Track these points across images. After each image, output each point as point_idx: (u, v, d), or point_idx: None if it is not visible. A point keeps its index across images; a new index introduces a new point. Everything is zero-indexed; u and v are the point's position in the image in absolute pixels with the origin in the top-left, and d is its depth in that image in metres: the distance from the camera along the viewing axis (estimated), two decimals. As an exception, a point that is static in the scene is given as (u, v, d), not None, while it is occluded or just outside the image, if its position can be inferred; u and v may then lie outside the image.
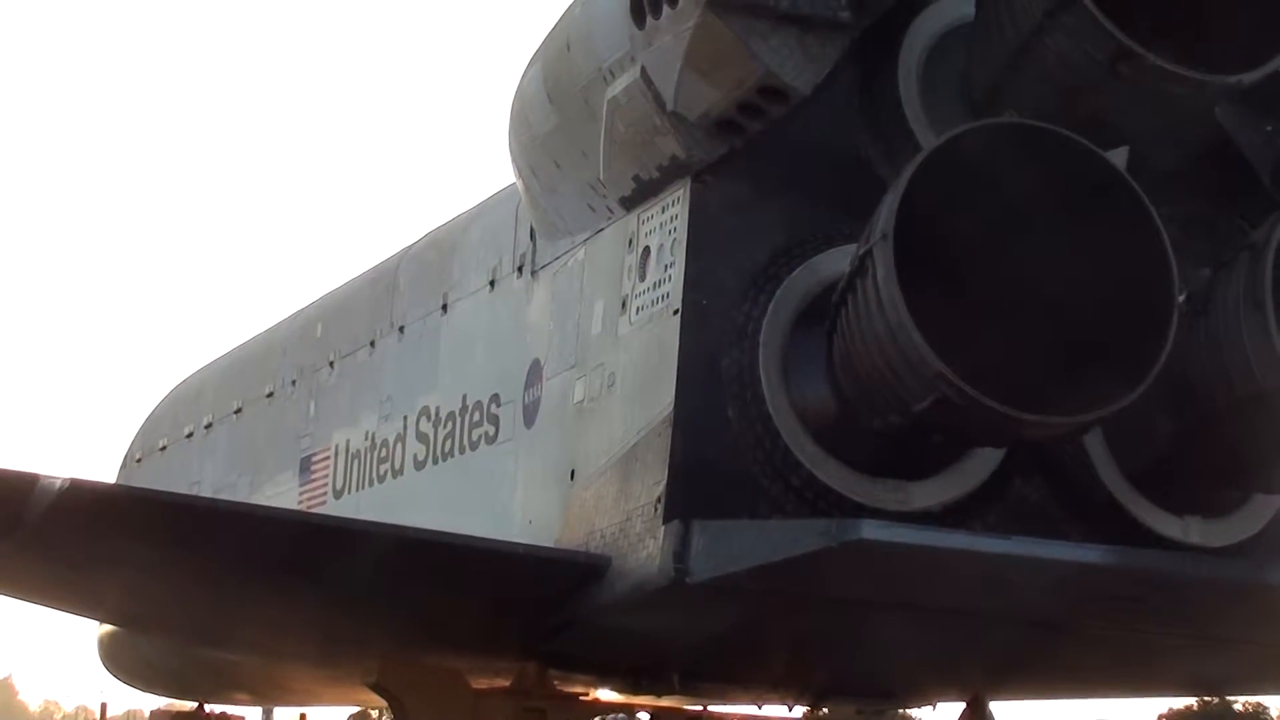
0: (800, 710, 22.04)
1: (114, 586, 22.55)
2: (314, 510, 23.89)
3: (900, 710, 24.58)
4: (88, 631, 32.13)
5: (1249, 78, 15.03)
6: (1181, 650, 18.65)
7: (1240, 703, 54.54)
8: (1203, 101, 15.66)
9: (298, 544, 18.55)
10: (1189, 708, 54.40)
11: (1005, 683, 21.40)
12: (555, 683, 19.73)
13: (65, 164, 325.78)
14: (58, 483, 15.99)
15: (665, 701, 20.86)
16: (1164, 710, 56.74)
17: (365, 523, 20.53)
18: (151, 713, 34.21)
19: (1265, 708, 55.34)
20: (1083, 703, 24.37)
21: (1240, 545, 16.71)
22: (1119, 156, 15.74)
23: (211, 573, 19.11)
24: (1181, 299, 15.05)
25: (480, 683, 19.61)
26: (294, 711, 32.76)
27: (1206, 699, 49.58)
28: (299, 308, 27.74)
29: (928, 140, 15.30)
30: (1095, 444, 16.04)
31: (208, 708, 29.31)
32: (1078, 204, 14.52)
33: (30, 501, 15.96)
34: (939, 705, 22.25)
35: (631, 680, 20.40)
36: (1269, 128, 16.78)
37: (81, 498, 16.63)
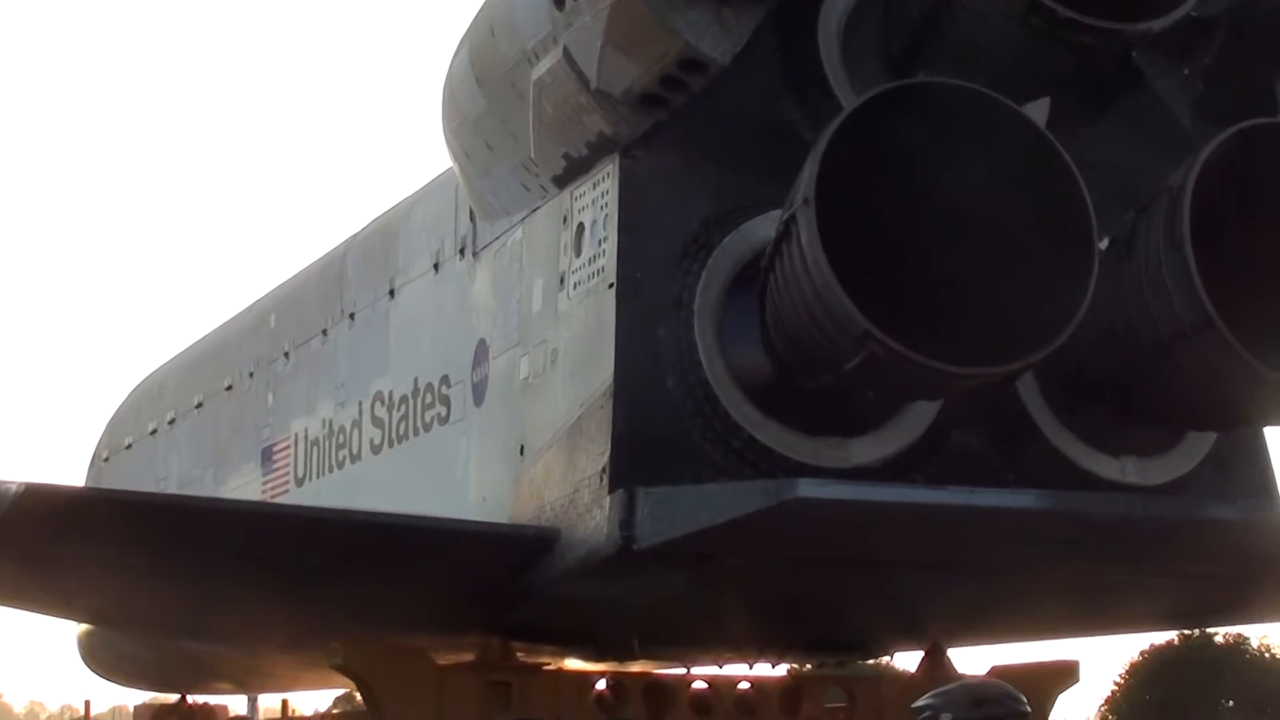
0: (762, 669, 22.15)
1: (80, 586, 22.60)
2: (277, 500, 23.89)
3: (861, 662, 24.60)
4: (67, 631, 32.05)
5: (1159, 24, 15.17)
6: (1130, 588, 18.87)
7: (1220, 635, 54.08)
8: (1117, 49, 15.83)
9: (254, 534, 18.63)
10: (1169, 643, 54.02)
11: (962, 630, 21.59)
12: (519, 655, 19.83)
13: (20, 159, 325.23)
14: (13, 487, 16.04)
15: (629, 668, 20.91)
16: (1145, 647, 56.32)
17: (318, 509, 20.76)
18: (135, 708, 34.11)
19: (1245, 638, 55.00)
20: (1047, 643, 24.40)
21: (1176, 482, 16.99)
22: (1040, 108, 15.85)
23: (172, 567, 19.17)
24: (1105, 244, 15.24)
25: (445, 659, 19.60)
26: (277, 698, 32.95)
27: (1186, 633, 49.66)
28: (253, 300, 27.77)
29: (850, 103, 15.36)
30: (1030, 391, 16.26)
31: (190, 699, 29.13)
32: (997, 160, 14.61)
33: None
34: (897, 655, 22.37)
35: (593, 649, 20.61)
36: (1185, 71, 16.91)
37: (37, 501, 16.66)
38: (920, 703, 6.25)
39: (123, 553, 18.45)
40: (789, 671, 23.22)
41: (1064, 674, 21.87)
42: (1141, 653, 55.30)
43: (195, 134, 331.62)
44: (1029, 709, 6.27)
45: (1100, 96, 16.61)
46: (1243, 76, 16.74)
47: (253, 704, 36.82)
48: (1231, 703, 53.13)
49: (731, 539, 15.33)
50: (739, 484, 15.25)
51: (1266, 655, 54.91)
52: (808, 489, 14.59)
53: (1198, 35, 16.40)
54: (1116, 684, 57.32)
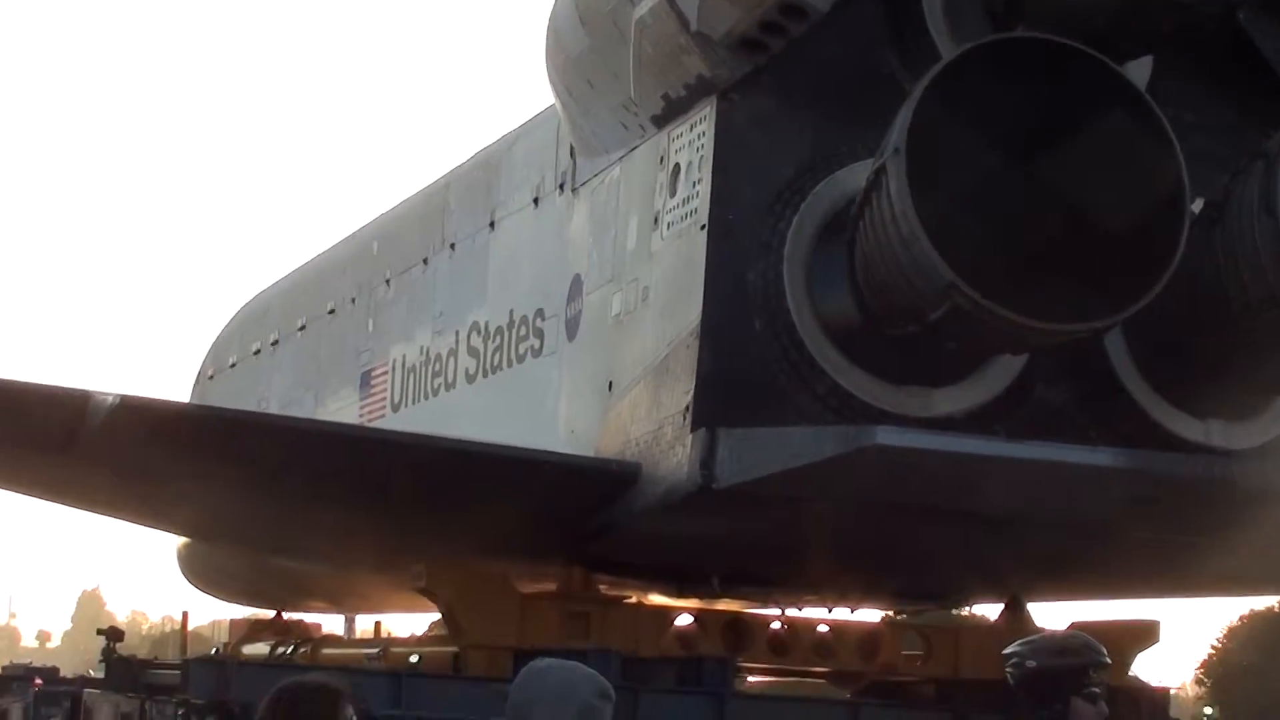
0: (841, 613, 22.25)
1: (178, 500, 23.13)
2: (373, 424, 24.22)
3: (941, 611, 24.62)
4: (167, 544, 32.59)
5: (1264, -17, 15.13)
6: (1214, 551, 18.66)
7: None
8: (1220, 10, 15.72)
9: (349, 457, 19.06)
10: (1270, 609, 53.46)
11: (1042, 584, 21.65)
12: (600, 587, 20.11)
13: (136, 91, 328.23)
14: (109, 399, 16.47)
15: (709, 605, 21.07)
16: (1244, 612, 55.71)
17: (411, 435, 20.99)
18: (232, 622, 34.66)
19: None
20: (1133, 603, 24.29)
21: (1263, 448, 16.76)
22: (1143, 67, 15.82)
23: (267, 485, 19.68)
24: (1199, 205, 15.18)
25: (527, 587, 19.92)
26: (372, 619, 33.34)
27: None
28: (358, 228, 28.08)
29: (949, 55, 15.32)
30: (1118, 349, 16.12)
31: (285, 615, 29.56)
32: (1093, 118, 14.57)
33: (84, 417, 16.49)
34: (977, 607, 22.39)
35: (673, 584, 20.85)
36: (1292, 34, 16.73)
37: (133, 414, 17.15)
38: (1009, 649, 6.45)
39: (218, 468, 18.94)
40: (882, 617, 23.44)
41: (1144, 634, 21.85)
42: (1241, 617, 54.96)
43: (312, 66, 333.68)
44: (1109, 660, 6.45)
45: (1202, 58, 16.49)
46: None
47: (349, 623, 37.32)
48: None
49: (810, 483, 15.51)
50: (819, 429, 15.32)
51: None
52: (886, 437, 14.75)
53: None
54: (1214, 647, 57.11)
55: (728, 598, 21.05)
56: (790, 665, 22.24)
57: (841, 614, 22.39)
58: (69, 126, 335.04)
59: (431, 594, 20.10)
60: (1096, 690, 6.16)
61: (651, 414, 16.81)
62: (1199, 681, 61.79)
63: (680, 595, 21.10)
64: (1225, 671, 57.04)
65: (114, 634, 29.02)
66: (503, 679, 17.92)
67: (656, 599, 21.21)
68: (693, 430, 15.87)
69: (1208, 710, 55.75)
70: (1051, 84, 14.49)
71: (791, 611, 21.82)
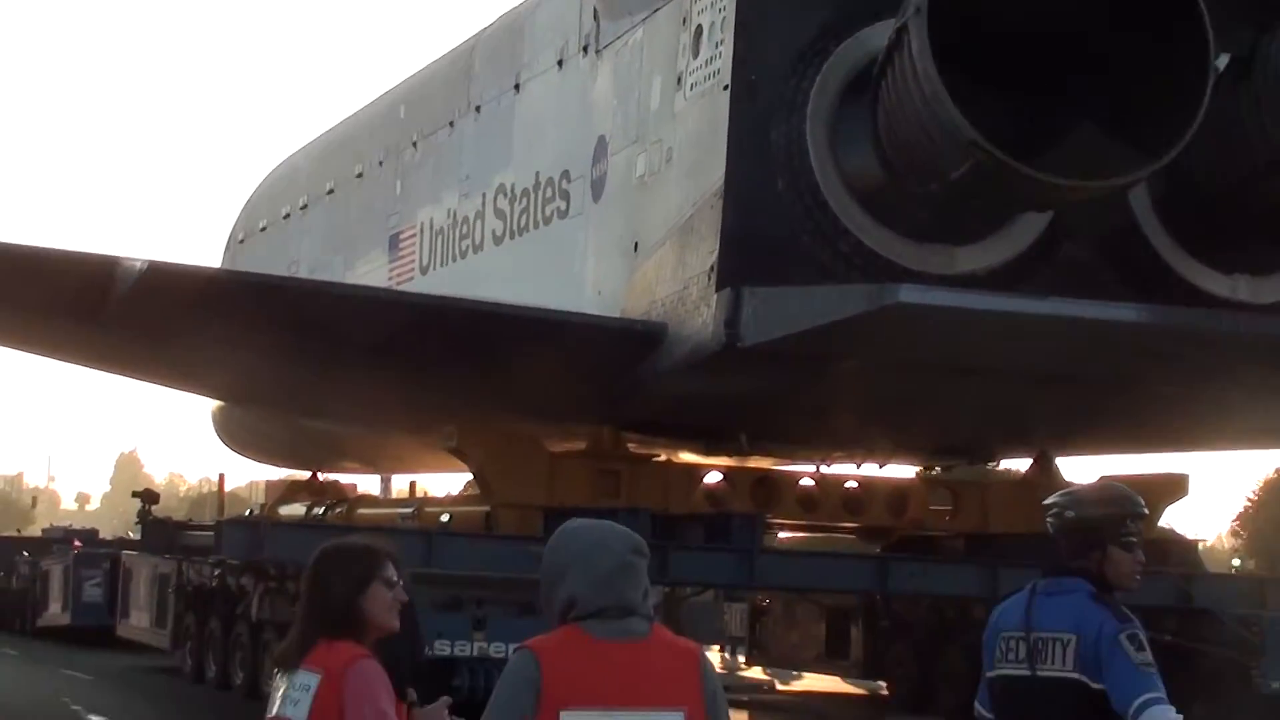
0: (869, 470, 22.42)
1: (207, 363, 23.38)
2: (402, 287, 24.34)
3: (969, 466, 24.72)
4: (203, 407, 32.90)
5: None
6: (1242, 405, 18.84)
7: None
8: None
9: (378, 319, 19.21)
10: None
11: (1070, 439, 21.77)
12: (629, 446, 20.36)
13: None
14: (137, 265, 16.64)
15: (737, 462, 21.28)
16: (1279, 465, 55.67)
17: (439, 297, 21.13)
18: (269, 483, 35.03)
19: None
20: (1157, 457, 24.40)
21: None
22: None
23: (298, 348, 19.89)
24: (1223, 62, 15.12)
25: (557, 446, 20.16)
26: (407, 479, 33.68)
27: None
28: (386, 90, 28.07)
29: None
30: (1143, 206, 16.12)
31: (321, 476, 29.87)
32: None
33: (113, 283, 16.67)
34: (1005, 462, 22.53)
35: (702, 443, 21.05)
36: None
37: (162, 279, 17.33)
38: (1049, 500, 6.56)
39: (247, 333, 19.14)
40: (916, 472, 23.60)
41: (1173, 487, 22.02)
42: (1277, 470, 54.98)
43: None
44: (1146, 511, 6.60)
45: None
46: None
47: (385, 483, 37.65)
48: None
49: (834, 341, 15.60)
50: (843, 287, 15.38)
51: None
52: (909, 294, 14.78)
53: None
54: (1249, 500, 57.35)
55: (756, 455, 21.28)
56: (819, 521, 22.62)
57: (870, 470, 22.57)
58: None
59: (462, 454, 20.43)
60: (1134, 539, 6.27)
61: (677, 274, 16.88)
62: (1234, 534, 62.06)
63: (709, 453, 21.29)
64: (1259, 525, 57.32)
65: (149, 496, 29.45)
66: (533, 537, 18.27)
67: (686, 457, 21.42)
68: (717, 290, 15.94)
69: (1235, 562, 55.94)
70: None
71: (820, 468, 22.03)
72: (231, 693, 21.60)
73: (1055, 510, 6.38)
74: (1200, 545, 30.37)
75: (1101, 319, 15.46)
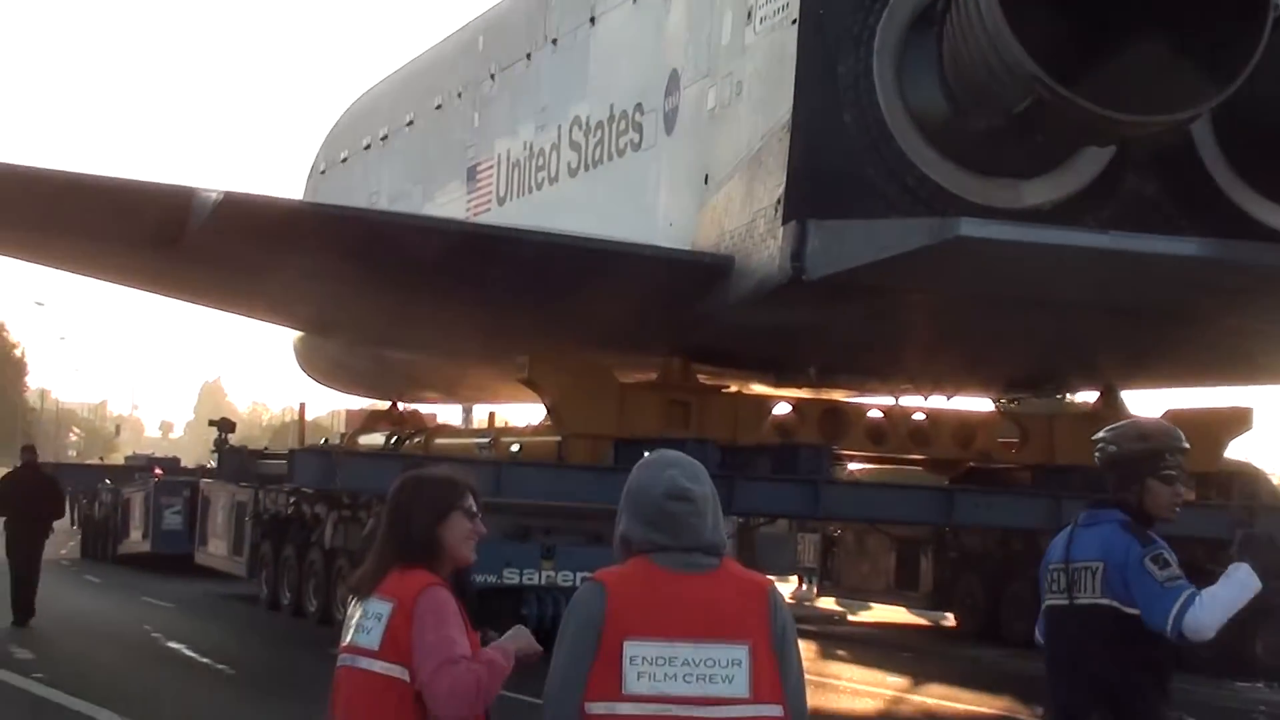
0: (937, 402, 22.51)
1: (286, 293, 23.61)
2: (479, 218, 24.64)
3: (1037, 399, 24.64)
4: (285, 337, 33.20)
5: None
6: None
7: None
8: None
9: (455, 250, 19.41)
10: None
11: (1136, 372, 21.82)
12: (699, 377, 20.55)
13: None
14: (213, 195, 16.91)
15: (806, 394, 21.47)
16: None
17: (515, 228, 21.32)
18: (349, 412, 35.38)
19: None
20: (1223, 391, 24.20)
21: None
22: None
23: (370, 279, 20.10)
24: None
25: (627, 378, 20.42)
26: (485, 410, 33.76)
27: None
28: (465, 22, 28.21)
29: None
30: (1206, 142, 16.09)
31: (400, 406, 30.12)
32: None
33: (189, 214, 16.94)
34: (1072, 395, 22.51)
35: (771, 375, 21.23)
36: None
37: (238, 210, 17.60)
38: (1097, 435, 6.73)
39: (324, 263, 19.35)
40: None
41: (1237, 419, 22.01)
42: None
43: None
44: (1187, 446, 6.74)
45: None
46: None
47: (466, 413, 37.93)
48: None
49: (898, 274, 15.76)
50: (906, 221, 15.47)
51: None
52: (970, 228, 14.91)
53: None
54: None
55: (825, 387, 21.42)
56: (887, 453, 22.76)
57: (938, 403, 22.70)
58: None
59: (534, 384, 20.68)
60: (1173, 473, 6.42)
61: (745, 207, 17.02)
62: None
63: (778, 385, 21.46)
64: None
65: (225, 425, 29.63)
66: (603, 467, 18.53)
67: (755, 389, 21.62)
68: (784, 223, 16.06)
69: None
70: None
71: (888, 400, 22.14)
72: (305, 619, 21.91)
73: (1100, 445, 6.55)
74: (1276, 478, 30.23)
75: (1162, 253, 15.52)
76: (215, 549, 27.20)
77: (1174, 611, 6.06)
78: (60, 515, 23.09)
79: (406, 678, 5.28)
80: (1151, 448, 6.50)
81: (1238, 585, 6.08)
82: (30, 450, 24.89)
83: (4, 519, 22.15)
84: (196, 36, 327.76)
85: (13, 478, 22.80)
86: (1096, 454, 6.57)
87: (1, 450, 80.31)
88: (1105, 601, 6.20)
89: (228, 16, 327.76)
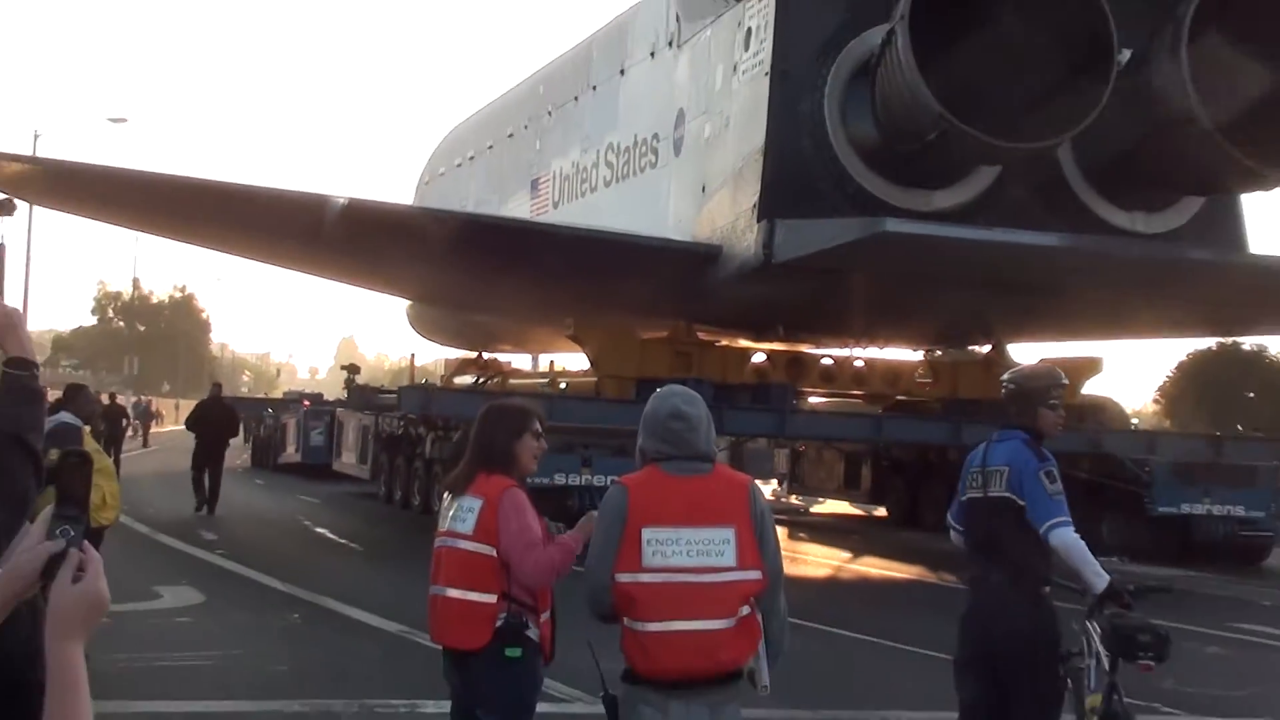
0: (871, 351, 22.45)
1: (400, 273, 23.66)
2: (540, 218, 24.58)
3: (946, 350, 24.55)
4: (400, 305, 33.14)
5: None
6: (1145, 306, 18.74)
7: (1246, 344, 52.09)
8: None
9: (521, 242, 19.54)
10: (1210, 349, 52.50)
11: (1020, 331, 21.72)
12: (699, 334, 20.49)
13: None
14: (341, 201, 16.97)
15: (777, 345, 21.43)
16: (1191, 351, 54.65)
17: (565, 227, 21.35)
18: (447, 361, 35.24)
19: (1264, 348, 53.22)
20: (1089, 344, 24.05)
21: (1173, 232, 16.94)
22: None
23: (461, 264, 20.07)
24: (1125, 56, 15.15)
25: (646, 335, 20.35)
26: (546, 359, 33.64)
27: (1222, 341, 48.11)
28: (530, 74, 28.23)
29: None
30: (1068, 161, 16.21)
31: (484, 355, 30.11)
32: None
33: (323, 215, 17.04)
34: (972, 347, 22.35)
35: (750, 332, 21.15)
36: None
37: (358, 212, 17.65)
38: (1003, 377, 6.78)
39: (426, 252, 19.34)
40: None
41: (1090, 366, 21.84)
42: (1188, 354, 54.08)
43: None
44: (1066, 383, 6.79)
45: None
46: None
47: (534, 360, 37.77)
48: (1252, 394, 52.09)
49: (840, 259, 15.71)
50: (846, 220, 15.51)
51: (1280, 362, 53.74)
52: (893, 225, 14.93)
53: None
54: (1168, 377, 56.60)
55: (790, 341, 21.31)
56: (835, 390, 22.63)
57: (874, 353, 22.59)
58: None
59: (577, 339, 20.67)
60: (1057, 403, 6.51)
61: (730, 209, 17.04)
62: (1156, 402, 61.22)
63: (756, 340, 21.38)
64: (1176, 395, 56.66)
65: (352, 369, 29.65)
66: (628, 400, 18.53)
67: (739, 343, 21.55)
68: (758, 221, 16.12)
69: (1134, 420, 55.06)
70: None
71: (836, 350, 22.07)
72: (410, 510, 21.90)
73: (1005, 383, 6.54)
74: (1131, 411, 30.07)
75: (1033, 244, 15.57)
76: (347, 459, 27.22)
77: (1050, 522, 6.05)
78: (235, 434, 23.12)
79: (493, 554, 5.24)
80: (1042, 384, 6.48)
81: (1092, 569, 6.10)
82: (218, 385, 25.00)
83: (196, 435, 22.29)
84: (341, 78, 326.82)
85: (203, 406, 22.95)
86: (1002, 389, 6.56)
87: (193, 387, 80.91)
88: (1008, 495, 6.19)
89: (362, 64, 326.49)
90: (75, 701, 2.00)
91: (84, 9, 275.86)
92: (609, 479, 16.82)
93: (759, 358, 21.26)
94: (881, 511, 26.21)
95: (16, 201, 25.20)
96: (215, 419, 22.17)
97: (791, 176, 16.11)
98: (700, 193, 18.24)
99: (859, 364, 22.13)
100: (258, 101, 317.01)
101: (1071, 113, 14.48)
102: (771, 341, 21.20)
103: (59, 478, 2.26)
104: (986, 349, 21.80)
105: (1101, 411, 22.71)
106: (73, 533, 2.14)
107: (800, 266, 15.92)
